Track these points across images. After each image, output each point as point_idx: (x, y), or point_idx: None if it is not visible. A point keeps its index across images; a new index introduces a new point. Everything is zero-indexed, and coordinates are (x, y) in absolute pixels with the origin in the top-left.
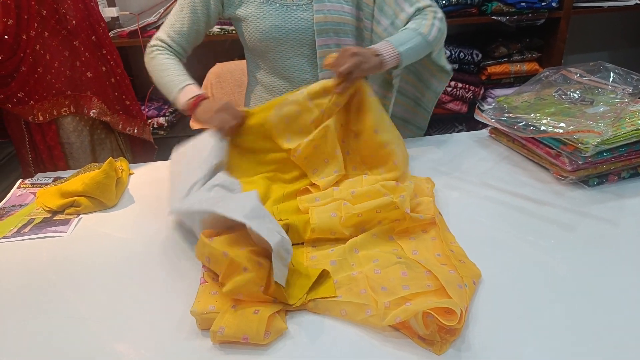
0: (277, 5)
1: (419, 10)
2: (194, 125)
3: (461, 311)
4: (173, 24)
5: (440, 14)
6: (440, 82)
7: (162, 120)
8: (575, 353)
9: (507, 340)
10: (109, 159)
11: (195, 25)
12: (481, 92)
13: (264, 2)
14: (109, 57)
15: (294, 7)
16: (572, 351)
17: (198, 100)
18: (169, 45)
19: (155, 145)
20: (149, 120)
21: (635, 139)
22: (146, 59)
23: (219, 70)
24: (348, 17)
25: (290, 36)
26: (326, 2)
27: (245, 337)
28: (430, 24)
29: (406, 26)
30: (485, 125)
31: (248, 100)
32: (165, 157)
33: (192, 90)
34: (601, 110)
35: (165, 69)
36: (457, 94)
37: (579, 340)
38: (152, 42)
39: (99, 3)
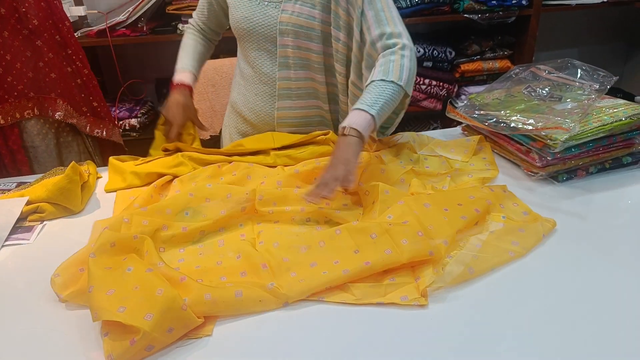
0: None
1: (384, 38)
2: None
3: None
4: (198, 7)
5: (407, 50)
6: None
7: (134, 121)
8: (548, 347)
9: (479, 335)
10: (72, 163)
11: (213, 11)
12: (455, 90)
13: None
14: (74, 57)
15: (266, 3)
16: (545, 345)
17: (174, 86)
18: (197, 26)
19: (126, 147)
20: (120, 122)
21: (601, 135)
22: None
23: None
24: (315, 23)
25: (255, 30)
26: (294, 3)
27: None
28: (399, 66)
29: (373, 77)
30: (460, 123)
31: (232, 83)
32: None
33: (179, 76)
34: (569, 106)
35: (182, 48)
36: (432, 91)
37: (551, 333)
38: (189, 21)
39: (65, 2)
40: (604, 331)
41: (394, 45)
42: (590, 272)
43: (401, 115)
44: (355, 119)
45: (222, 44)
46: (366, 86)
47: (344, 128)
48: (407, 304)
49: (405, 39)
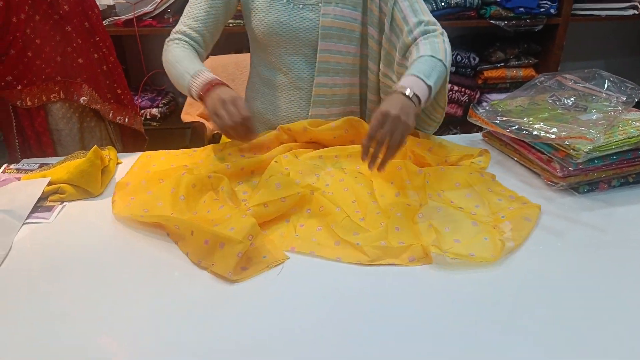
0: (285, 1)
1: (423, 25)
2: (185, 117)
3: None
4: (188, 13)
5: (446, 36)
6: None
7: (155, 111)
8: (561, 358)
9: (493, 343)
10: (94, 147)
11: (213, 10)
12: (477, 96)
13: None
14: (101, 44)
15: (301, 6)
16: (558, 356)
17: (212, 85)
18: (186, 35)
19: (147, 136)
20: (142, 111)
21: (627, 148)
22: (163, 55)
23: (212, 63)
24: (355, 24)
25: (293, 34)
26: (334, 6)
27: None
28: (444, 49)
29: (421, 53)
30: (479, 130)
31: (247, 92)
32: (157, 148)
33: (206, 75)
34: (594, 117)
35: (178, 60)
36: (453, 97)
37: (565, 345)
38: (170, 36)
39: None
40: (619, 345)
41: (434, 30)
42: (607, 285)
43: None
44: (414, 84)
45: (244, 39)
46: (415, 60)
47: (404, 88)
48: (414, 264)
49: (441, 28)
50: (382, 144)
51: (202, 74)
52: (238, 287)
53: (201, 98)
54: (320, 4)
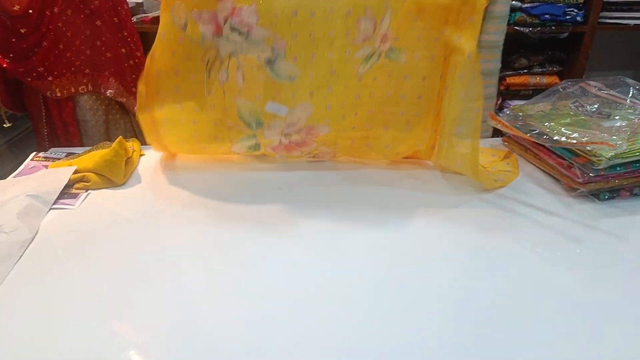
0: None
1: None
2: None
3: None
4: None
5: None
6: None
7: None
8: None
9: (505, 351)
10: (119, 138)
11: None
12: (498, 102)
13: None
14: (129, 39)
15: None
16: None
17: None
18: None
19: None
20: None
21: None
22: None
23: None
24: None
25: None
26: None
27: None
28: None
29: None
30: (501, 134)
31: None
32: None
33: None
34: (617, 124)
35: None
36: None
37: (580, 354)
38: None
39: None
40: (635, 356)
41: None
42: (626, 294)
43: None
44: None
45: None
46: None
47: None
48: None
49: None
50: None
51: None
52: (247, 281)
53: None
54: None
